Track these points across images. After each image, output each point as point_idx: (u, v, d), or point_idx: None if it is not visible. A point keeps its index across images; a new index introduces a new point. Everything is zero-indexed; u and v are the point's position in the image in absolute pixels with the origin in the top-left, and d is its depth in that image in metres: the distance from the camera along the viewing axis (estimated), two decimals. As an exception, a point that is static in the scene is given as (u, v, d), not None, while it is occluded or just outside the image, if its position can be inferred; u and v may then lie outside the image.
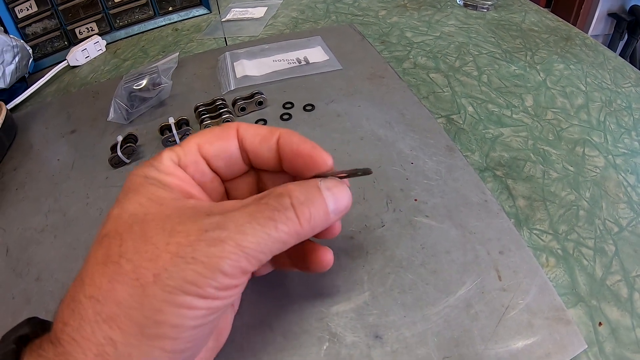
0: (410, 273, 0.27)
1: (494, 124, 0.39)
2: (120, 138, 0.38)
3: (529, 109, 0.41)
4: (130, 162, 0.37)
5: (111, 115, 0.41)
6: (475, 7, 0.61)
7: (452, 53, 0.50)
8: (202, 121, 0.40)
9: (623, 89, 0.43)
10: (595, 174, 0.34)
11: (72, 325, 0.15)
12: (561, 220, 0.30)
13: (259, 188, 0.24)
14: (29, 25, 0.54)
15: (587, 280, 0.27)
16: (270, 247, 0.17)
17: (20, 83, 0.51)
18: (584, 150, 0.36)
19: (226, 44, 0.56)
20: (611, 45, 1.24)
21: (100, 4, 0.58)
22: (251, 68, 0.49)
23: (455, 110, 0.41)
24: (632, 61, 1.22)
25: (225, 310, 0.18)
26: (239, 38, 0.57)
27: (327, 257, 0.22)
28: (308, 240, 0.21)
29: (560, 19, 0.58)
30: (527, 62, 0.48)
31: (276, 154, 0.21)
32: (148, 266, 0.16)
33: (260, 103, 0.42)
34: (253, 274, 0.20)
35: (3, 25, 0.52)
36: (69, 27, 0.57)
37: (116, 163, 0.37)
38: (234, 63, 0.50)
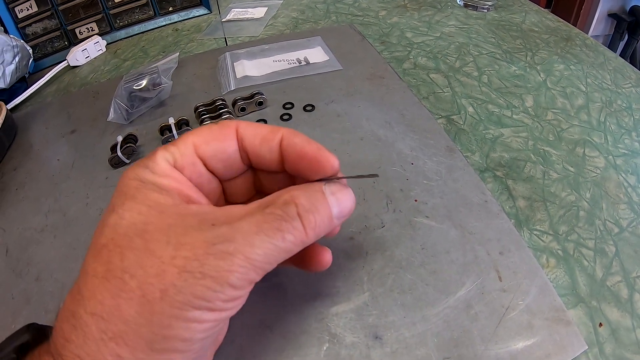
0: (410, 273, 0.27)
1: (494, 124, 0.39)
2: (120, 138, 0.38)
3: (529, 109, 0.41)
4: (130, 162, 0.37)
5: (111, 115, 0.41)
6: (475, 8, 0.60)
7: (452, 53, 0.50)
8: (202, 121, 0.40)
9: (623, 90, 0.43)
10: (596, 174, 0.34)
11: (75, 342, 0.15)
12: (561, 220, 0.30)
13: (257, 186, 0.23)
14: (29, 25, 0.54)
15: (588, 281, 0.27)
16: (277, 257, 0.17)
17: (21, 83, 0.51)
18: (584, 151, 0.36)
19: (226, 44, 0.56)
20: (611, 46, 1.24)
21: (100, 4, 0.58)
22: (251, 68, 0.49)
23: (456, 111, 0.41)
24: (633, 62, 1.21)
25: None
26: (239, 38, 0.57)
27: (325, 257, 0.22)
28: None
29: (561, 20, 0.58)
30: (528, 62, 0.48)
31: (278, 156, 0.21)
32: (154, 282, 0.15)
33: (260, 103, 0.42)
34: None
35: (3, 25, 0.52)
36: (69, 27, 0.57)
37: (116, 163, 0.37)
38: (234, 63, 0.50)
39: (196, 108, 0.41)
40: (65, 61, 0.55)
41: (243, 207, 0.18)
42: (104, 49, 0.59)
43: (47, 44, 0.57)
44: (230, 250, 0.16)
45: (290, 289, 0.26)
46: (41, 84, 0.51)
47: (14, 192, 0.36)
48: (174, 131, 0.39)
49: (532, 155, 0.36)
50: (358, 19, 0.60)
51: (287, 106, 0.42)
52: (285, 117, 0.41)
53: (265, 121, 0.41)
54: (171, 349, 0.15)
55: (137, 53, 0.57)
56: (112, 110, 0.42)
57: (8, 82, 0.47)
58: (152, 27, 0.63)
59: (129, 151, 0.37)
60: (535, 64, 0.47)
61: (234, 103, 0.42)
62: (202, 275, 0.15)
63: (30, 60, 0.53)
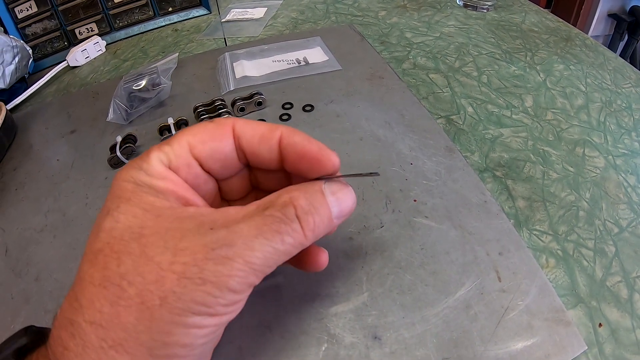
0: (409, 274, 0.27)
1: (493, 124, 0.39)
2: (119, 138, 0.38)
3: (529, 109, 0.41)
4: (127, 163, 0.37)
5: (111, 115, 0.41)
6: (475, 8, 0.60)
7: (451, 53, 0.50)
8: (201, 122, 0.40)
9: (623, 90, 0.43)
10: (595, 174, 0.34)
11: (74, 350, 0.15)
12: (561, 221, 0.30)
13: (253, 183, 0.23)
14: (29, 25, 0.54)
15: (587, 281, 0.27)
16: (276, 260, 0.17)
17: (20, 83, 0.51)
18: (584, 151, 0.36)
19: (226, 45, 0.56)
20: (611, 46, 1.24)
21: (100, 4, 0.58)
22: (250, 68, 0.49)
23: (455, 111, 0.41)
24: (633, 62, 1.21)
25: None
26: (239, 39, 0.57)
27: (322, 258, 0.22)
28: None
29: (561, 20, 0.57)
30: (527, 62, 0.48)
31: (277, 155, 0.20)
32: (153, 289, 0.15)
33: (260, 103, 0.42)
34: None
35: (3, 26, 0.52)
36: (68, 28, 0.57)
37: (115, 163, 0.37)
38: (234, 63, 0.50)
39: (195, 108, 0.41)
40: (65, 61, 0.55)
41: (241, 209, 0.18)
42: (104, 50, 0.59)
43: (46, 45, 0.57)
44: (230, 255, 0.16)
45: (289, 289, 0.26)
46: (41, 84, 0.51)
47: (13, 192, 0.36)
48: (173, 131, 0.39)
49: (531, 155, 0.36)
50: (358, 19, 0.60)
51: (286, 106, 0.42)
52: (285, 117, 0.41)
53: (264, 121, 0.41)
54: (172, 355, 0.15)
55: (137, 53, 0.57)
56: (111, 110, 0.42)
57: (8, 82, 0.47)
58: (151, 28, 0.63)
59: (128, 151, 0.37)
60: (535, 64, 0.47)
61: (233, 103, 0.42)
62: (202, 281, 0.15)
63: (30, 61, 0.53)
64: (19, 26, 0.54)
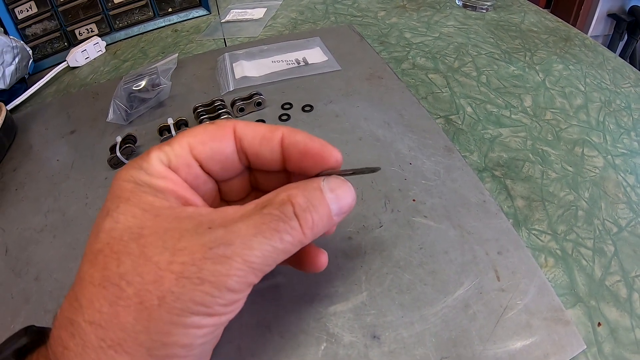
0: (408, 273, 0.27)
1: (492, 124, 0.39)
2: (119, 139, 0.38)
3: (528, 109, 0.41)
4: (127, 163, 0.37)
5: (110, 116, 0.41)
6: (474, 8, 0.61)
7: (451, 54, 0.50)
8: (200, 122, 0.40)
9: (622, 90, 0.43)
10: (595, 174, 0.34)
11: (74, 350, 0.15)
12: (560, 220, 0.30)
13: (253, 184, 0.23)
14: (29, 26, 0.54)
15: (586, 280, 0.27)
16: (275, 259, 0.17)
17: (20, 84, 0.51)
18: (583, 151, 0.36)
19: (225, 45, 0.56)
20: (611, 46, 1.24)
21: (100, 5, 0.58)
22: (250, 69, 0.49)
23: (454, 111, 0.41)
24: (632, 62, 1.21)
25: None
26: (238, 39, 0.57)
27: (321, 259, 0.22)
28: None
29: (560, 20, 0.58)
30: (526, 62, 0.48)
31: (279, 155, 0.20)
32: (151, 289, 0.15)
33: (259, 104, 0.42)
34: None
35: (3, 26, 0.52)
36: (68, 28, 0.57)
37: (115, 164, 0.37)
38: (233, 64, 0.50)
39: (195, 108, 0.41)
40: (65, 62, 0.55)
41: (239, 208, 0.17)
42: (104, 50, 0.59)
43: (46, 45, 0.57)
44: (228, 254, 0.16)
45: (289, 288, 0.26)
46: (41, 84, 0.51)
47: (13, 192, 0.36)
48: (173, 132, 0.39)
49: (530, 155, 0.36)
50: (357, 20, 0.60)
51: (285, 106, 0.42)
52: (284, 117, 0.41)
53: (263, 121, 0.41)
54: (171, 355, 0.15)
55: (137, 54, 0.57)
56: (111, 110, 0.42)
57: (8, 83, 0.48)
58: (151, 28, 0.63)
59: (128, 152, 0.37)
60: (534, 64, 0.47)
61: (233, 103, 0.42)
62: (200, 280, 0.15)
63: (30, 61, 0.53)
64: (19, 27, 0.54)
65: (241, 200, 0.23)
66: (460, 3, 0.62)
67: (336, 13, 0.62)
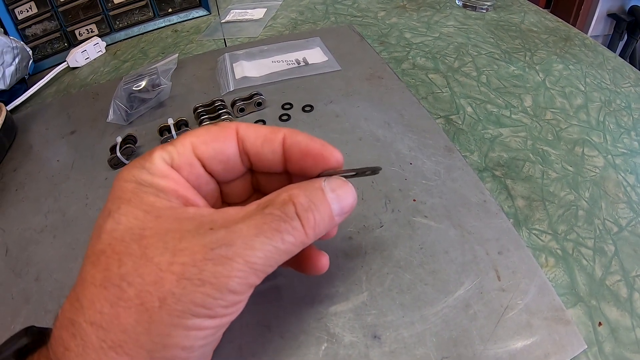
0: (408, 273, 0.27)
1: (492, 124, 0.39)
2: (119, 139, 0.38)
3: (528, 109, 0.41)
4: (129, 163, 0.37)
5: (111, 116, 0.42)
6: (474, 8, 0.61)
7: (451, 54, 0.50)
8: (201, 122, 0.40)
9: (622, 89, 0.43)
10: (595, 174, 0.34)
11: (74, 350, 0.15)
12: (560, 220, 0.30)
13: (255, 186, 0.23)
14: (29, 26, 0.54)
15: (587, 280, 0.27)
16: (277, 260, 0.17)
17: (20, 84, 0.51)
18: (583, 150, 0.36)
19: (225, 45, 0.56)
20: (611, 46, 1.24)
21: (100, 5, 0.58)
22: (250, 69, 0.49)
23: (454, 111, 0.41)
24: (632, 61, 1.22)
25: None
26: (239, 39, 0.58)
27: (322, 261, 0.22)
28: None
29: (560, 20, 0.58)
30: (526, 62, 0.48)
31: (281, 157, 0.20)
32: (152, 290, 0.15)
33: (259, 104, 0.42)
34: None
35: (3, 27, 0.52)
36: (68, 29, 0.57)
37: (115, 164, 0.37)
38: (233, 64, 0.50)
39: (195, 109, 0.41)
40: (65, 62, 0.55)
41: (241, 209, 0.17)
42: (104, 50, 0.59)
43: (46, 46, 0.57)
44: (229, 255, 0.15)
45: (289, 289, 0.26)
46: (41, 85, 0.51)
47: (13, 192, 0.36)
48: (173, 132, 0.39)
49: (531, 154, 0.36)
50: (357, 20, 0.60)
51: (286, 107, 0.42)
52: (284, 117, 0.41)
53: (264, 122, 0.41)
54: (172, 357, 0.15)
55: (137, 54, 0.57)
56: (111, 111, 0.42)
57: (8, 83, 0.48)
58: (151, 29, 0.63)
59: (128, 152, 0.37)
60: (534, 63, 0.47)
61: (233, 104, 0.42)
62: (201, 282, 0.15)
63: (30, 62, 0.53)
64: (19, 27, 0.54)
65: (243, 202, 0.23)
66: (460, 3, 0.62)
67: (336, 13, 0.62)
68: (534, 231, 0.30)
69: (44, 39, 0.56)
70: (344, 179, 0.20)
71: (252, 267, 0.16)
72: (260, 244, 0.16)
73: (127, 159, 0.37)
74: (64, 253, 0.30)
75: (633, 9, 1.18)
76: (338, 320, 0.25)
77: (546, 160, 0.35)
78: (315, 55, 0.50)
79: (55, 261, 0.30)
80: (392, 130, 0.38)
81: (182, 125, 0.40)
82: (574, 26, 0.56)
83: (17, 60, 0.49)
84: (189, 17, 0.64)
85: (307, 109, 0.42)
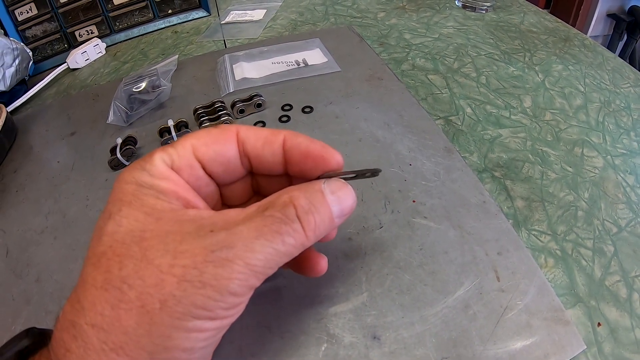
0: (408, 274, 0.27)
1: (492, 125, 0.39)
2: (119, 140, 0.38)
3: (528, 110, 0.41)
4: (129, 164, 0.37)
5: (111, 117, 0.42)
6: (473, 9, 0.61)
7: (450, 54, 0.50)
8: (201, 123, 0.40)
9: (622, 90, 0.43)
10: (594, 174, 0.34)
11: (76, 352, 0.15)
12: (560, 220, 0.30)
13: (255, 188, 0.23)
14: (29, 28, 0.55)
15: (586, 280, 0.27)
16: (277, 261, 0.17)
17: (21, 85, 0.51)
18: (582, 151, 0.36)
19: (225, 47, 0.56)
20: (610, 46, 1.24)
21: (100, 6, 0.58)
22: (250, 70, 0.49)
23: (454, 112, 0.41)
24: (632, 62, 1.22)
25: None
26: (238, 40, 0.58)
27: (321, 264, 0.22)
28: None
29: (559, 20, 0.58)
30: (526, 63, 0.48)
31: (281, 158, 0.20)
32: (153, 292, 0.15)
33: (259, 105, 0.42)
34: None
35: (3, 28, 0.52)
36: (69, 30, 0.57)
37: (115, 165, 0.37)
38: (233, 65, 0.50)
39: (195, 110, 0.42)
40: (65, 64, 0.55)
41: (241, 211, 0.17)
42: (104, 52, 0.59)
43: (47, 47, 0.57)
44: (230, 257, 0.15)
45: (289, 290, 0.26)
46: (41, 86, 0.51)
47: (14, 193, 0.37)
48: (173, 133, 0.39)
49: (530, 155, 0.36)
50: (357, 21, 0.60)
51: (285, 108, 0.42)
52: (284, 118, 0.41)
53: (264, 123, 0.41)
54: (172, 358, 0.15)
55: (137, 55, 0.57)
56: (111, 112, 0.42)
57: (8, 84, 0.48)
58: (151, 30, 0.63)
59: (128, 153, 0.38)
60: (534, 64, 0.48)
61: (233, 105, 0.42)
62: (202, 284, 0.15)
63: (30, 63, 0.53)
64: (19, 28, 0.54)
65: (242, 204, 0.23)
66: (459, 4, 0.62)
67: (336, 14, 0.62)
68: (533, 232, 0.30)
69: (44, 40, 0.56)
70: (344, 181, 0.20)
71: (253, 269, 0.16)
72: (260, 246, 0.16)
73: (127, 161, 0.37)
74: (65, 254, 0.30)
75: (633, 9, 1.18)
76: (338, 320, 0.25)
77: (545, 161, 0.35)
78: (315, 56, 0.50)
79: (56, 262, 0.30)
80: (391, 131, 0.38)
81: (182, 127, 0.41)
82: (574, 26, 0.56)
83: (17, 61, 0.49)
84: (189, 19, 0.65)
85: (307, 110, 0.42)
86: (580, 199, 0.32)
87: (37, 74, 0.56)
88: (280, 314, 0.25)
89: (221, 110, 0.41)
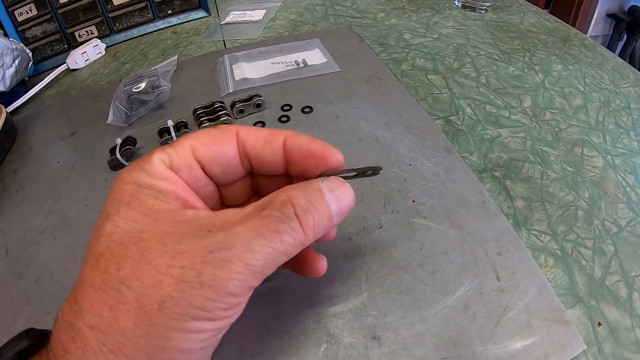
0: (408, 274, 0.27)
1: (492, 125, 0.39)
2: (119, 141, 0.38)
3: (527, 109, 0.41)
4: (128, 165, 0.37)
5: (110, 118, 0.42)
6: (473, 9, 0.61)
7: (450, 54, 0.50)
8: (200, 124, 0.40)
9: (622, 89, 0.43)
10: (594, 174, 0.34)
11: (74, 353, 0.15)
12: (560, 220, 0.30)
13: (254, 189, 0.23)
14: (29, 28, 0.55)
15: (586, 280, 0.27)
16: (276, 261, 0.17)
17: (20, 86, 0.51)
18: (582, 151, 0.36)
19: (225, 47, 0.56)
20: (610, 46, 1.24)
21: (99, 7, 0.58)
22: (250, 70, 0.49)
23: (454, 112, 0.41)
24: (631, 62, 1.22)
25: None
26: (238, 41, 0.58)
27: (320, 264, 0.22)
28: None
29: (559, 20, 0.58)
30: (526, 63, 0.48)
31: (282, 158, 0.20)
32: (151, 293, 0.15)
33: (259, 105, 0.42)
34: None
35: (3, 29, 0.52)
36: (68, 31, 0.57)
37: (115, 165, 0.37)
38: (233, 66, 0.50)
39: (195, 110, 0.42)
40: (65, 64, 0.55)
41: (239, 211, 0.17)
42: (104, 52, 0.59)
43: (46, 47, 0.57)
44: (228, 257, 0.15)
45: (289, 290, 0.26)
46: (41, 86, 0.51)
47: (14, 194, 0.37)
48: (173, 133, 0.39)
49: (530, 155, 0.36)
50: (356, 21, 0.60)
51: (285, 108, 0.42)
52: (284, 119, 0.41)
53: (263, 123, 0.41)
54: (171, 359, 0.15)
55: (136, 56, 0.57)
56: (111, 112, 0.42)
57: (8, 85, 0.48)
58: (151, 30, 0.63)
59: (128, 153, 0.38)
60: (534, 64, 0.48)
61: (233, 105, 0.42)
62: (200, 285, 0.15)
63: (30, 63, 0.53)
64: (19, 29, 0.54)
65: (242, 205, 0.23)
66: (459, 4, 0.62)
67: (335, 14, 0.62)
68: (533, 232, 0.30)
69: (44, 41, 0.56)
70: (342, 179, 0.20)
71: (251, 269, 0.16)
72: (258, 246, 0.16)
73: (127, 161, 0.37)
74: (64, 254, 0.30)
75: (632, 9, 1.18)
76: (338, 321, 0.25)
77: (545, 160, 0.35)
78: (315, 56, 0.50)
79: (56, 262, 0.30)
80: (391, 132, 0.38)
81: (181, 127, 0.41)
82: (573, 26, 0.56)
83: (17, 62, 0.49)
84: (189, 19, 0.65)
85: (307, 110, 0.42)
86: (580, 199, 0.32)
87: (36, 75, 0.56)
88: (280, 314, 0.25)
89: (221, 111, 0.41)
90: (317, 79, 0.46)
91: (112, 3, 0.58)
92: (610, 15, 1.23)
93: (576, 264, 0.28)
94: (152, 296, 0.15)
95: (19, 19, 0.53)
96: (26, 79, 0.53)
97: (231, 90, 0.46)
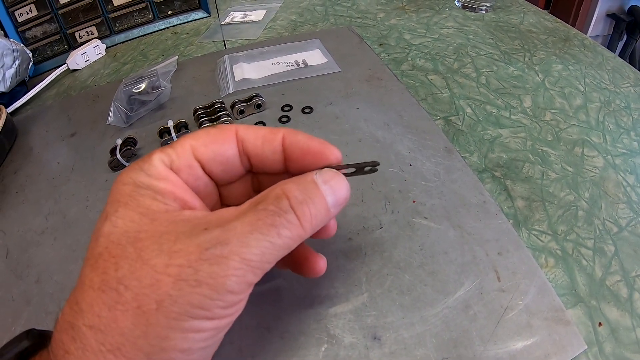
0: (408, 274, 0.27)
1: (492, 125, 0.39)
2: (119, 141, 0.38)
3: (528, 110, 0.41)
4: (128, 166, 0.37)
5: (111, 118, 0.42)
6: (473, 9, 0.61)
7: (450, 55, 0.50)
8: (200, 124, 0.40)
9: (622, 89, 0.43)
10: (594, 174, 0.34)
11: (74, 354, 0.15)
12: (560, 220, 0.30)
13: (256, 189, 0.23)
14: (29, 29, 0.55)
15: (587, 280, 0.27)
16: (275, 255, 0.17)
17: (21, 87, 0.51)
18: (582, 151, 0.36)
19: (225, 47, 0.56)
20: (610, 46, 1.24)
21: (100, 7, 0.58)
22: (250, 71, 0.49)
23: (454, 112, 0.41)
24: (632, 61, 1.22)
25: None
26: (238, 41, 0.58)
27: (320, 264, 0.22)
28: (303, 244, 0.21)
29: (559, 20, 0.58)
30: (526, 63, 0.48)
31: (281, 156, 0.21)
32: (149, 293, 0.15)
33: (259, 106, 0.42)
34: None
35: (3, 29, 0.52)
36: (68, 31, 0.58)
37: (115, 166, 0.37)
38: (233, 66, 0.50)
39: (195, 111, 0.42)
40: (65, 65, 0.55)
41: (235, 209, 0.17)
42: (104, 53, 0.59)
43: (46, 48, 0.57)
44: (225, 253, 0.15)
45: (289, 290, 0.26)
46: (41, 87, 0.51)
47: (14, 194, 0.37)
48: (173, 134, 0.39)
49: (530, 155, 0.36)
50: (356, 21, 0.60)
51: (285, 108, 0.42)
52: (284, 119, 0.41)
53: (263, 123, 0.41)
54: (169, 359, 0.15)
55: (137, 56, 0.57)
56: (111, 113, 0.42)
57: (8, 85, 0.48)
58: (151, 31, 0.63)
59: (128, 154, 0.38)
60: (534, 64, 0.48)
61: (233, 106, 0.42)
62: (198, 283, 0.15)
63: (30, 64, 0.53)
64: (19, 30, 0.54)
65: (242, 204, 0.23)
66: (459, 4, 0.62)
67: (336, 15, 0.62)
68: (533, 232, 0.30)
69: (44, 42, 0.56)
70: (336, 170, 0.20)
71: (249, 264, 0.16)
72: (255, 240, 0.16)
73: (127, 161, 0.37)
74: (65, 255, 0.30)
75: (632, 9, 1.18)
76: (338, 321, 0.25)
77: (546, 160, 0.35)
78: (315, 56, 0.50)
79: (56, 263, 0.30)
80: (391, 132, 0.38)
81: (181, 127, 0.41)
82: (574, 26, 0.56)
83: (17, 62, 0.49)
84: (189, 19, 0.65)
85: (307, 110, 0.42)
86: (581, 199, 0.32)
87: (37, 75, 0.56)
88: (280, 314, 0.25)
89: (221, 111, 0.41)
90: (318, 79, 0.46)
91: (113, 4, 0.58)
92: (610, 15, 1.23)
93: (577, 264, 0.28)
94: (150, 296, 0.15)
95: (19, 19, 0.53)
96: (26, 79, 0.53)
97: (231, 91, 0.46)
